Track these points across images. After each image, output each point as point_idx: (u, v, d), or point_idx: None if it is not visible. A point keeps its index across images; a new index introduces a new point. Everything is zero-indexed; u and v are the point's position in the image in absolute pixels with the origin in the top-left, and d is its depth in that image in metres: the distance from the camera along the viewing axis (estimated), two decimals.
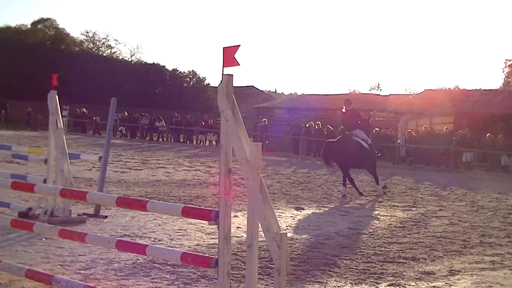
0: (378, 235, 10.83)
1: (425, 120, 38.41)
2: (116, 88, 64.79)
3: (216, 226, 4.90)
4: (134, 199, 6.07)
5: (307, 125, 37.93)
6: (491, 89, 45.59)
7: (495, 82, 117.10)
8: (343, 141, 17.96)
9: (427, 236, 10.91)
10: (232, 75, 5.01)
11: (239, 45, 5.10)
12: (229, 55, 5.07)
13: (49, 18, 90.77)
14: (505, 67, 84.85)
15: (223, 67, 5.08)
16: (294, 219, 12.29)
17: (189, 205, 6.37)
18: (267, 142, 37.85)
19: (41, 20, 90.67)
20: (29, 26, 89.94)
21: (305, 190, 17.49)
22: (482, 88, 47.51)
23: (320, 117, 43.04)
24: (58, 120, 10.55)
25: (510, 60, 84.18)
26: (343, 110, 18.70)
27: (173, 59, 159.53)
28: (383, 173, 24.46)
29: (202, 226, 10.35)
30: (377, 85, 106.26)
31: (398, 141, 34.76)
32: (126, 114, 48.13)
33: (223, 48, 5.13)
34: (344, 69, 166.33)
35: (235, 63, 5.06)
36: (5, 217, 7.67)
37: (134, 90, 72.05)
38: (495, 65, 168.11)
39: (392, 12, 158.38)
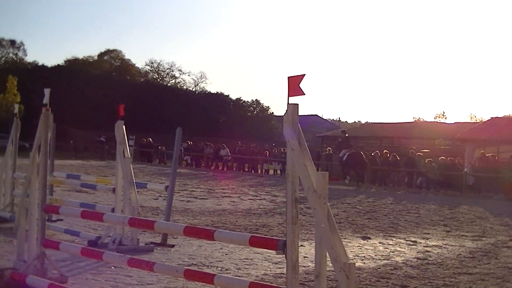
0: (447, 265, 10.64)
1: (492, 149, 37.71)
2: (180, 117, 65.67)
3: (284, 255, 4.92)
4: (202, 228, 6.14)
5: (372, 154, 37.66)
6: None
7: None
8: (355, 153, 32.02)
9: (498, 267, 10.66)
10: (298, 104, 5.04)
11: (304, 75, 5.12)
12: (294, 85, 5.09)
13: (115, 50, 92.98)
14: None
15: (288, 96, 5.11)
16: (361, 248, 12.18)
17: (255, 235, 6.39)
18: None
19: (107, 52, 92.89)
20: (95, 57, 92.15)
21: (371, 219, 17.32)
22: None
23: (384, 145, 42.69)
24: (125, 149, 10.72)
25: None
26: (344, 136, 33.22)
27: (237, 89, 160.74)
28: (450, 202, 24.12)
29: (269, 255, 10.35)
30: (442, 113, 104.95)
31: (465, 169, 34.11)
32: (191, 143, 48.67)
33: (288, 77, 5.16)
34: (408, 97, 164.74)
35: (300, 92, 5.08)
36: (76, 246, 7.83)
37: (199, 119, 72.90)
38: None
39: (458, 40, 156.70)
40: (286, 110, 5.06)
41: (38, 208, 7.52)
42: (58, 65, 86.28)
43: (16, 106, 14.04)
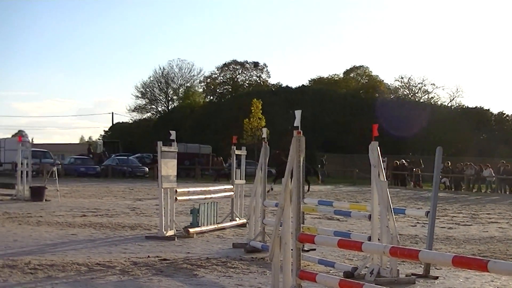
0: None
1: None
2: (435, 136, 64.69)
3: None
4: (473, 258, 5.91)
5: None
6: None
7: None
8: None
9: None
10: None
11: None
12: None
13: (362, 66, 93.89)
14: None
15: None
16: None
17: None
18: None
19: (354, 69, 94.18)
20: (341, 75, 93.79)
21: None
22: None
23: None
24: (381, 172, 10.72)
25: None
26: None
27: (498, 101, 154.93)
28: None
29: None
30: None
31: None
32: (449, 164, 47.70)
33: None
34: None
35: None
36: (333, 278, 7.93)
37: (456, 137, 71.30)
38: None
39: None
40: None
41: (292, 237, 7.72)
42: (303, 85, 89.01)
43: (265, 130, 14.59)
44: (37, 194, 25.22)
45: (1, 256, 11.74)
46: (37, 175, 41.89)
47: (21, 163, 26.48)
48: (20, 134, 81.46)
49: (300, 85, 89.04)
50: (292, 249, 7.78)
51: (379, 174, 10.71)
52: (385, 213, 10.44)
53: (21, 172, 26.16)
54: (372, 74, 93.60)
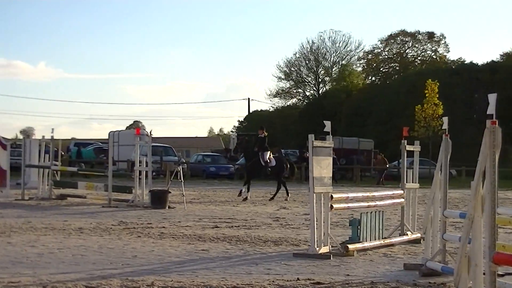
0: None
1: None
2: None
3: None
4: None
5: None
6: None
7: None
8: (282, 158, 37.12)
9: None
10: None
11: None
12: None
13: None
14: None
15: None
16: None
17: None
18: None
19: None
20: None
21: None
22: None
23: None
24: None
25: None
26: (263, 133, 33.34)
27: None
28: None
29: None
30: None
31: None
32: None
33: None
34: None
35: None
36: None
37: None
38: None
39: None
40: None
41: (485, 258, 7.58)
42: (492, 61, 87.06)
43: (445, 119, 14.32)
44: (158, 199, 25.75)
45: (119, 275, 12.09)
46: (158, 176, 43.07)
47: (139, 162, 27.04)
48: (136, 126, 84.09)
49: (489, 61, 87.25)
50: (484, 273, 7.65)
51: None
52: None
53: (139, 172, 26.75)
54: None
